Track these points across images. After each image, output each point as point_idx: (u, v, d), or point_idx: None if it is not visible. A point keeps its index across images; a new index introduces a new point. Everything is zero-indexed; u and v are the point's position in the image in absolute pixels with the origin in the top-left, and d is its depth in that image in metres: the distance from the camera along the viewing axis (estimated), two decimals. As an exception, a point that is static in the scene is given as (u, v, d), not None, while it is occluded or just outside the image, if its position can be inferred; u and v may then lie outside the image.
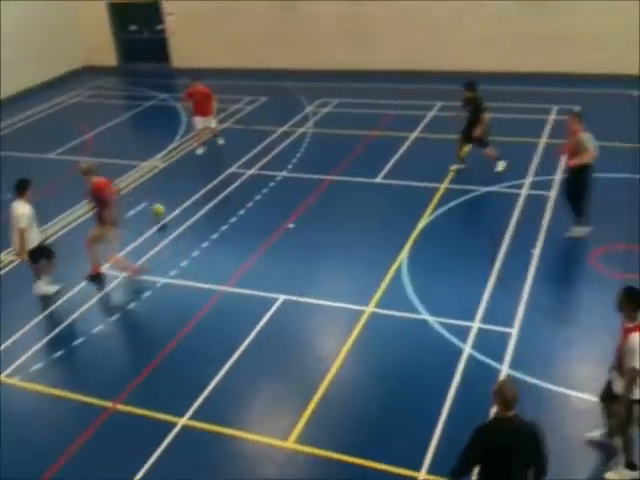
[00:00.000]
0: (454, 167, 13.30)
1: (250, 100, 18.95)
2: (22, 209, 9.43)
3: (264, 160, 14.69)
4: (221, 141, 15.71)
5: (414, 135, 15.44)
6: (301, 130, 16.39)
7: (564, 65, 18.58)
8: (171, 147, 15.86)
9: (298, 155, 14.82)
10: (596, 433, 6.92)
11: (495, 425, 5.01)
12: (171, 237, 11.63)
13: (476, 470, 5.14)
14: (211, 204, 12.79)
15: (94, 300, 10.01)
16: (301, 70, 21.02)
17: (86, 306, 9.84)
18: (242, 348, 8.63)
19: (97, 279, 10.43)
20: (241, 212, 12.36)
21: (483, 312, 8.97)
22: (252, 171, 14.18)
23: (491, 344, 8.35)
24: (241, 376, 8.19)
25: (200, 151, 15.30)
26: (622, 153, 13.49)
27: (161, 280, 10.32)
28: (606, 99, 16.82)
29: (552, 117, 15.82)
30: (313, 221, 11.88)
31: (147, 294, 10.03)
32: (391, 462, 6.81)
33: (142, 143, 16.80)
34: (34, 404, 8.12)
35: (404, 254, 10.47)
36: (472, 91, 12.85)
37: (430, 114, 16.77)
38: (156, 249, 11.24)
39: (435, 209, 11.89)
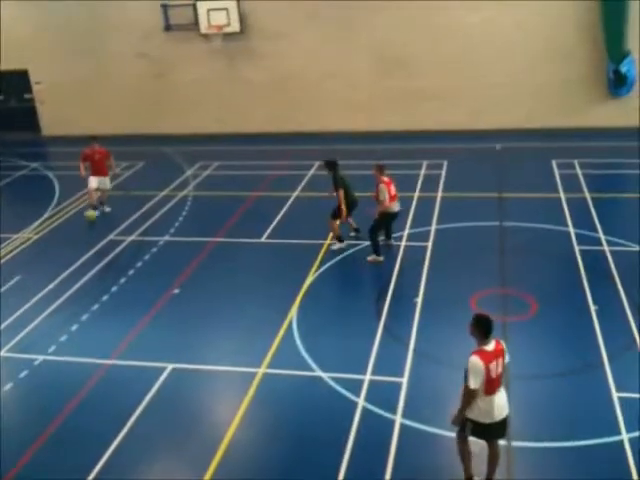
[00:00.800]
0: (338, 246, 12.65)
1: (127, 166, 18.63)
2: None
3: (145, 226, 14.39)
4: (107, 209, 15.32)
5: (295, 194, 15.74)
6: (182, 194, 16.27)
7: (430, 123, 19.75)
8: (46, 216, 15.22)
9: (180, 219, 14.66)
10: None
11: None
12: (48, 311, 11.03)
13: None
14: (90, 274, 12.30)
15: (-37, 385, 9.24)
16: (178, 135, 21.04)
17: (-46, 393, 9.05)
18: (130, 422, 8.22)
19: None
20: (122, 280, 11.96)
21: (374, 364, 9.10)
22: (132, 237, 13.83)
23: (384, 395, 8.46)
24: (132, 451, 7.77)
25: (93, 212, 14.96)
26: (485, 203, 14.39)
27: (39, 357, 9.71)
28: (469, 153, 17.99)
29: (423, 172, 16.67)
30: (199, 285, 11.70)
31: (24, 374, 9.39)
32: (294, 527, 6.65)
33: (14, 214, 15.98)
34: None
35: (293, 312, 10.50)
36: (329, 170, 12.43)
37: (310, 173, 17.19)
38: (32, 325, 10.60)
39: (321, 265, 12.07)
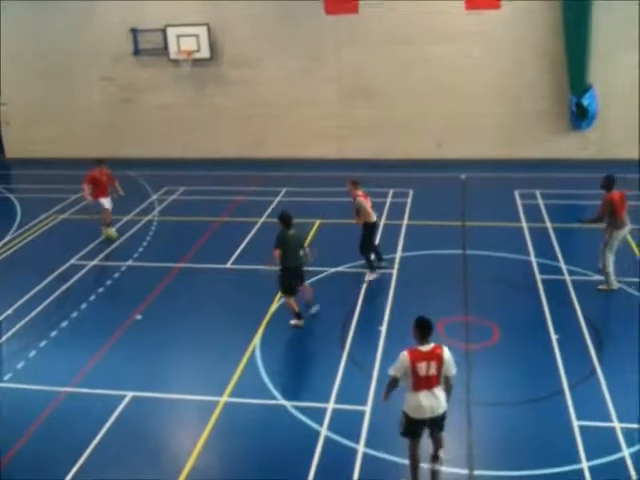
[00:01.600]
0: (295, 322, 10.87)
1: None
2: None
3: (107, 250, 14.21)
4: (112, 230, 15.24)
5: (262, 220, 15.71)
6: (147, 218, 16.12)
7: (397, 152, 19.99)
8: (6, 240, 14.93)
9: (144, 244, 14.50)
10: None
11: None
12: (5, 337, 10.76)
13: None
14: (49, 299, 12.05)
15: None
16: (144, 159, 20.92)
17: None
18: (89, 451, 8.02)
19: None
20: (83, 306, 11.75)
21: (337, 392, 9.04)
22: (94, 262, 13.63)
23: (347, 424, 8.40)
24: (88, 483, 7.57)
25: (112, 229, 15.07)
26: (449, 231, 14.56)
27: (-6, 385, 9.45)
28: (435, 182, 18.22)
29: (389, 200, 16.81)
30: (162, 311, 11.55)
31: (-23, 402, 9.12)
32: None
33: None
34: None
35: (257, 340, 10.41)
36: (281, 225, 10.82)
37: (277, 199, 17.20)
38: (-12, 351, 10.34)
39: (285, 292, 12.01)
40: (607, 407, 8.50)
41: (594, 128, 18.74)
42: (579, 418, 8.31)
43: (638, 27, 17.82)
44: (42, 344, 10.54)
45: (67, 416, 8.77)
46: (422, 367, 6.82)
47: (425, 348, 6.91)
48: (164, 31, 20.16)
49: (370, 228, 12.46)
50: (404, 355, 6.91)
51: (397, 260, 13.19)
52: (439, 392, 6.98)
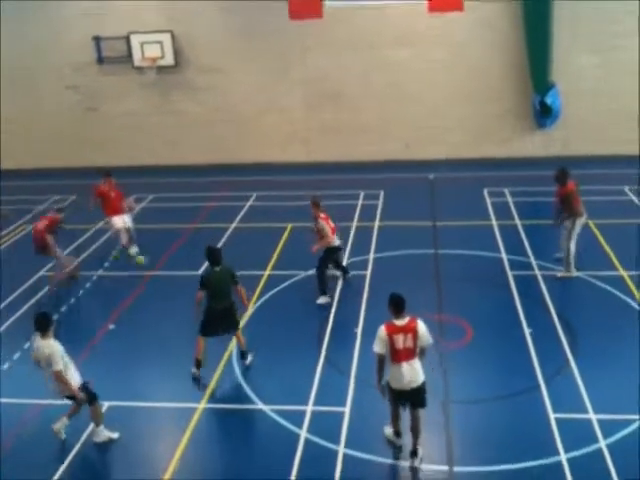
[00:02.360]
0: (194, 370, 9.69)
1: (58, 199, 18.14)
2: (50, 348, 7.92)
3: (78, 260, 14.00)
4: (134, 249, 13.99)
5: (234, 225, 15.65)
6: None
7: (366, 154, 20.08)
8: (-29, 254, 14.65)
9: (115, 253, 14.31)
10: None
11: None
12: (-25, 351, 10.56)
13: None
14: (20, 311, 11.85)
15: None
16: (111, 167, 20.45)
17: None
18: (67, 461, 7.95)
19: None
20: (55, 317, 11.53)
21: (316, 394, 9.05)
22: (65, 272, 13.41)
23: (326, 425, 8.41)
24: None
25: (134, 250, 13.84)
26: (420, 231, 14.68)
27: (-35, 401, 9.25)
28: (404, 183, 18.35)
29: (360, 202, 16.87)
30: (135, 320, 11.43)
31: (-52, 419, 8.91)
32: None
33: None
34: None
35: (234, 345, 10.35)
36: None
37: (248, 204, 17.16)
38: (-43, 367, 10.12)
39: (260, 296, 11.99)
40: (582, 398, 8.65)
41: (558, 126, 19.05)
42: (555, 411, 8.45)
43: (597, 25, 18.24)
44: (16, 356, 10.37)
45: (43, 429, 8.61)
46: (399, 339, 7.35)
47: (400, 322, 7.42)
48: (127, 38, 19.98)
49: (331, 253, 11.82)
50: (382, 329, 7.41)
51: (370, 261, 13.24)
52: (416, 364, 7.51)
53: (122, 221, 13.72)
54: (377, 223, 15.36)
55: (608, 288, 11.63)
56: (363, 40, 19.30)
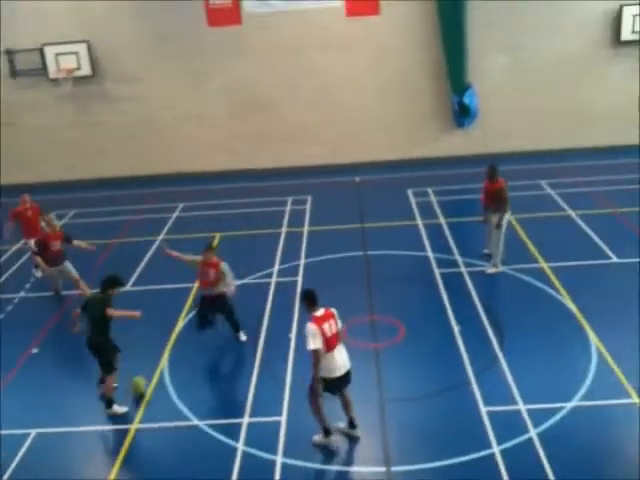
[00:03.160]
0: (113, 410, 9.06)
1: (-26, 220, 17.35)
2: None
3: (-3, 283, 13.45)
4: (38, 274, 13.41)
5: (160, 237, 15.34)
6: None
7: (292, 160, 20.08)
8: None
9: (37, 273, 13.79)
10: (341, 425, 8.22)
11: None
12: None
13: None
14: (-64, 340, 11.26)
15: None
16: (28, 184, 19.84)
17: None
18: (-9, 500, 7.56)
19: None
20: (-25, 344, 11.05)
21: (251, 405, 8.97)
22: (-17, 297, 12.86)
23: (263, 436, 8.34)
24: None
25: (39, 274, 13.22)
26: (349, 234, 14.80)
27: None
28: (331, 187, 18.46)
29: (288, 208, 16.86)
30: (59, 342, 11.05)
31: None
32: None
33: None
34: None
35: (164, 361, 10.14)
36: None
37: (174, 215, 16.88)
38: None
39: (191, 309, 11.78)
40: (512, 390, 8.89)
41: (476, 125, 19.56)
42: (487, 404, 8.65)
43: (508, 26, 18.86)
44: None
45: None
46: (326, 328, 7.68)
47: (319, 313, 7.77)
48: (41, 50, 19.33)
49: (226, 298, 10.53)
50: (311, 325, 7.64)
51: (301, 267, 13.24)
52: (343, 348, 7.93)
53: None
54: (306, 228, 15.38)
55: (531, 280, 12.01)
56: (287, 46, 19.26)
